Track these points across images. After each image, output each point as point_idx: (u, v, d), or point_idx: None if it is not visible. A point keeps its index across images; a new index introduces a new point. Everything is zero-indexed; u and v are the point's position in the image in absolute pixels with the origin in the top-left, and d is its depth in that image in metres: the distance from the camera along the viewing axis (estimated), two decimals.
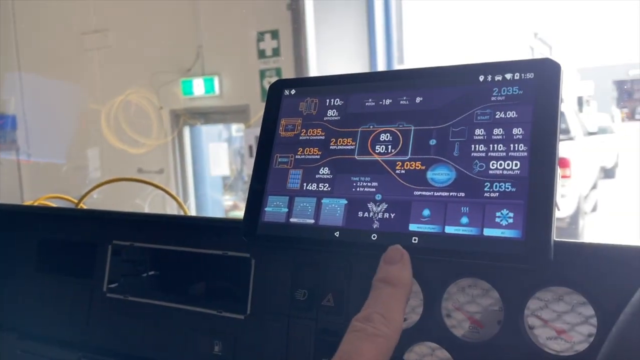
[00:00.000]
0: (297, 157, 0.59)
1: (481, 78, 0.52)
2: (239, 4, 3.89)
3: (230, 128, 4.54)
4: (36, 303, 0.87)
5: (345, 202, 0.54)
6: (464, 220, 0.49)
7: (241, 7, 3.86)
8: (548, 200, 0.46)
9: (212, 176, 4.47)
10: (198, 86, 4.12)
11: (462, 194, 0.50)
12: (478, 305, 0.55)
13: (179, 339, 0.73)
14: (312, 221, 0.55)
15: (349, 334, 0.42)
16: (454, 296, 0.56)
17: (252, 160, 0.62)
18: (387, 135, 0.55)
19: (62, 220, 0.91)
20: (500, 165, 0.49)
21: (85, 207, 1.10)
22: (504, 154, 0.49)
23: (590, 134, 5.45)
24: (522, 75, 0.51)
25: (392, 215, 0.52)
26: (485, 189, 0.49)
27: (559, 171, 0.48)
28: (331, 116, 0.58)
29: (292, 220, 0.57)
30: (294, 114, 0.61)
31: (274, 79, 0.64)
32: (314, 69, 3.72)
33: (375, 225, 0.52)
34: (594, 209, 5.32)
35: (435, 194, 0.51)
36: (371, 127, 0.56)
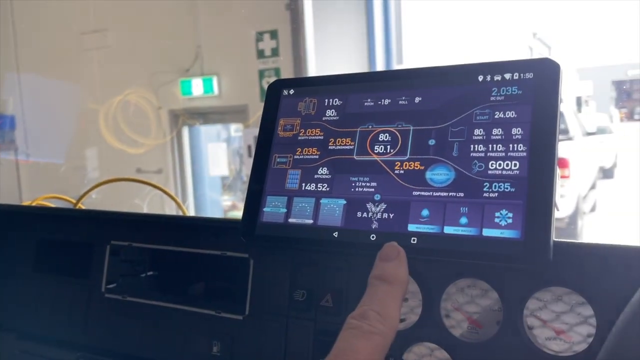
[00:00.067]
0: (295, 157, 0.58)
1: (480, 78, 0.52)
2: (238, 4, 3.89)
3: (229, 128, 4.54)
4: (34, 303, 0.87)
5: (344, 202, 0.54)
6: (463, 220, 0.49)
7: (240, 7, 3.86)
8: (547, 201, 0.46)
9: (211, 176, 4.46)
10: (197, 86, 4.12)
11: (461, 194, 0.50)
12: (477, 306, 0.55)
13: (178, 340, 0.73)
14: (311, 221, 0.55)
15: (345, 331, 0.42)
16: (453, 296, 0.56)
17: (251, 161, 0.62)
18: (386, 136, 0.55)
19: (61, 220, 0.91)
20: (500, 165, 0.49)
21: (83, 207, 1.10)
22: (503, 154, 0.49)
23: (589, 134, 5.45)
24: (522, 75, 0.50)
25: (391, 216, 0.52)
26: (485, 189, 0.49)
27: (558, 171, 0.48)
28: (330, 116, 0.58)
29: (290, 220, 0.56)
30: (292, 114, 0.60)
31: (272, 79, 0.64)
32: (313, 69, 3.72)
33: (374, 225, 0.52)
34: (592, 209, 5.32)
35: (434, 194, 0.51)
36: (370, 127, 0.56)
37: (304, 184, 0.57)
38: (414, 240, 0.50)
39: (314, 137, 0.58)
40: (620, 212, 5.37)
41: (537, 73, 0.50)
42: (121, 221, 0.83)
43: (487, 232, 0.48)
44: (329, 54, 3.95)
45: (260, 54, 3.82)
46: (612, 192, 6.18)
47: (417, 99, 0.55)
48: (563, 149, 4.00)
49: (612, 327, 0.39)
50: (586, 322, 0.50)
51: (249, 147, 3.82)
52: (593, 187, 5.47)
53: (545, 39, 7.99)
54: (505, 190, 0.48)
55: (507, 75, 0.51)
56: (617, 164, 6.92)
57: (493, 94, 0.51)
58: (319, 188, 0.56)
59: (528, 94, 0.50)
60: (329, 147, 0.57)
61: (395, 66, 4.53)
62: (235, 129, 4.47)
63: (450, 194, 0.50)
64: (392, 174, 0.53)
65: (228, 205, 4.48)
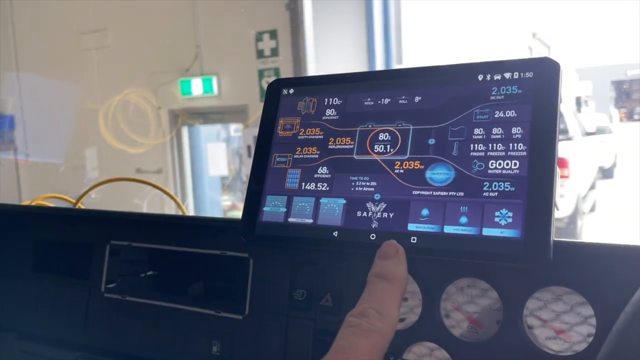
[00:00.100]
0: (295, 156, 0.58)
1: (480, 77, 0.52)
2: (237, 3, 3.89)
3: (228, 128, 4.54)
4: (34, 303, 0.87)
5: (344, 201, 0.54)
6: (463, 219, 0.49)
7: (240, 7, 3.86)
8: (547, 200, 0.46)
9: (211, 176, 4.46)
10: (196, 86, 4.12)
11: (461, 194, 0.50)
12: (477, 305, 0.55)
13: (177, 339, 0.73)
14: (311, 221, 0.55)
15: (344, 329, 0.42)
16: (453, 296, 0.56)
17: (251, 161, 0.62)
18: (386, 135, 0.55)
19: (60, 220, 0.90)
20: (500, 164, 0.49)
21: (83, 207, 1.10)
22: (503, 153, 0.49)
23: (589, 134, 5.45)
24: (521, 74, 0.50)
25: (391, 215, 0.52)
26: (485, 188, 0.49)
27: (558, 171, 0.48)
28: (330, 115, 0.58)
29: (290, 220, 0.56)
30: (292, 113, 0.60)
31: (272, 79, 0.64)
32: (313, 69, 3.72)
33: (374, 225, 0.52)
34: (592, 209, 5.33)
35: (434, 193, 0.51)
36: (370, 126, 0.56)
37: (303, 184, 0.57)
38: (413, 239, 0.50)
39: (313, 137, 0.58)
40: (619, 212, 5.38)
41: (537, 72, 0.50)
42: (121, 221, 0.83)
43: (487, 232, 0.48)
44: (329, 54, 3.95)
45: (260, 53, 3.82)
46: (611, 192, 6.18)
47: (417, 99, 0.54)
48: (562, 149, 4.00)
49: (612, 327, 0.39)
50: (586, 322, 0.50)
51: (249, 147, 3.82)
52: (592, 187, 5.47)
53: (544, 39, 7.99)
54: (505, 189, 0.48)
55: (507, 75, 0.51)
56: (616, 164, 6.92)
57: (493, 93, 0.51)
58: (319, 187, 0.56)
59: (528, 93, 0.50)
60: (329, 147, 0.57)
61: (395, 66, 4.53)
62: (234, 129, 4.47)
63: (450, 193, 0.50)
64: (392, 173, 0.53)
65: (227, 205, 4.48)
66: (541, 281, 0.52)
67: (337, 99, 0.58)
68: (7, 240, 0.92)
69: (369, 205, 0.53)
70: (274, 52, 3.78)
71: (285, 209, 0.57)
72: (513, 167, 0.48)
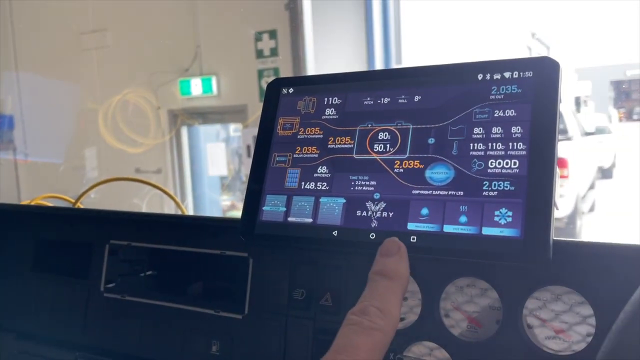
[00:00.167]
0: (295, 156, 0.58)
1: (480, 76, 0.52)
2: (237, 3, 3.89)
3: (228, 128, 4.54)
4: (33, 303, 0.87)
5: (344, 201, 0.54)
6: (463, 219, 0.49)
7: (239, 6, 3.86)
8: (547, 199, 0.46)
9: (210, 176, 4.46)
10: (196, 86, 4.12)
11: (461, 193, 0.50)
12: (476, 305, 0.55)
13: (177, 339, 0.73)
14: (310, 220, 0.55)
15: (345, 327, 0.41)
16: (453, 296, 0.56)
17: (250, 161, 0.62)
18: (386, 134, 0.55)
19: (59, 219, 0.90)
20: (499, 164, 0.49)
21: (82, 206, 1.10)
22: (503, 152, 0.49)
23: (588, 134, 5.46)
24: (521, 73, 0.50)
25: (391, 214, 0.52)
26: (484, 187, 0.49)
27: (558, 170, 0.48)
28: (329, 115, 0.58)
29: (290, 219, 0.56)
30: (291, 112, 0.60)
31: (271, 79, 0.64)
32: (312, 69, 3.72)
33: (374, 224, 0.52)
34: (591, 209, 5.33)
35: (434, 192, 0.51)
36: (369, 125, 0.56)
37: (303, 183, 0.57)
38: (413, 238, 0.50)
39: (313, 136, 0.58)
40: (619, 212, 5.38)
41: (537, 72, 0.50)
42: (120, 220, 0.83)
43: (487, 231, 0.48)
44: (328, 53, 3.95)
45: (259, 53, 3.82)
46: (610, 192, 6.19)
47: (417, 98, 0.54)
48: (562, 149, 4.00)
49: (612, 327, 0.39)
50: (585, 322, 0.50)
51: (248, 147, 3.82)
52: (592, 187, 5.48)
53: (544, 39, 8.00)
54: (505, 188, 0.48)
55: (507, 74, 0.51)
56: (615, 164, 6.93)
57: (492, 92, 0.51)
58: (319, 187, 0.56)
59: (528, 93, 0.50)
60: (329, 146, 0.57)
61: (394, 66, 4.53)
62: (234, 129, 4.47)
63: (449, 192, 0.50)
64: (391, 172, 0.53)
65: (227, 205, 4.48)
66: (541, 281, 0.52)
67: (336, 99, 0.58)
68: (6, 240, 0.92)
69: (369, 204, 0.53)
70: (274, 52, 3.78)
71: (284, 209, 0.57)
72: (513, 166, 0.48)
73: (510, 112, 0.50)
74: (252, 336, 0.67)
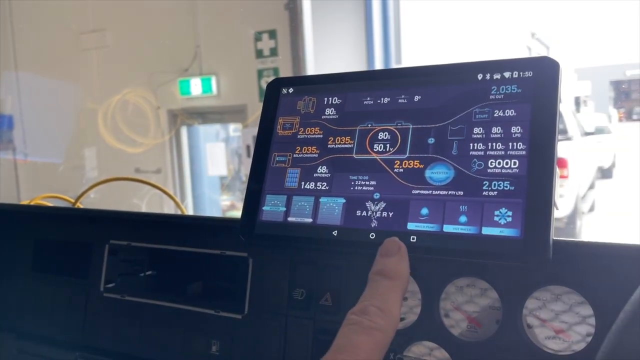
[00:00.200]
0: (295, 155, 0.58)
1: (480, 76, 0.52)
2: (236, 3, 3.89)
3: (227, 128, 4.54)
4: (33, 303, 0.87)
5: (344, 201, 0.54)
6: (463, 219, 0.49)
7: (239, 6, 3.85)
8: (547, 199, 0.46)
9: (210, 176, 4.46)
10: (195, 86, 4.11)
11: (461, 193, 0.50)
12: (476, 305, 0.55)
13: (177, 339, 0.73)
14: (310, 220, 0.55)
15: (345, 327, 0.41)
16: (452, 296, 0.56)
17: (250, 160, 0.62)
18: (386, 134, 0.55)
19: (59, 219, 0.90)
20: (499, 164, 0.49)
21: (82, 206, 1.10)
22: (503, 152, 0.49)
23: (588, 134, 5.46)
24: (521, 73, 0.50)
25: (391, 214, 0.52)
26: (484, 187, 0.49)
27: (557, 170, 0.48)
28: (329, 115, 0.58)
29: (290, 219, 0.56)
30: (291, 112, 0.60)
31: (271, 79, 0.64)
32: (312, 69, 3.72)
33: (374, 224, 0.52)
34: (591, 209, 5.33)
35: (434, 192, 0.51)
36: (369, 125, 0.56)
37: (303, 183, 0.57)
38: (413, 238, 0.50)
39: (313, 136, 0.58)
40: (618, 212, 5.38)
41: (537, 71, 0.50)
42: (120, 220, 0.83)
43: (487, 231, 0.48)
44: (328, 53, 3.95)
45: (259, 53, 3.82)
46: (610, 192, 6.19)
47: (417, 98, 0.54)
48: (562, 149, 4.00)
49: (611, 326, 0.39)
50: (585, 322, 0.50)
51: (248, 147, 3.82)
52: (592, 187, 5.48)
53: (543, 39, 8.00)
54: (505, 188, 0.48)
55: (507, 74, 0.51)
56: (615, 164, 6.93)
57: (492, 92, 0.51)
58: (319, 187, 0.56)
59: (527, 93, 0.50)
60: (328, 146, 0.57)
61: (394, 65, 4.53)
62: (233, 129, 4.47)
63: (449, 192, 0.50)
64: (391, 172, 0.53)
65: (227, 205, 4.48)
66: (540, 280, 0.52)
67: (336, 98, 0.58)
68: (6, 239, 0.92)
69: (369, 204, 0.53)
70: (273, 52, 3.78)
71: (284, 208, 0.57)
72: (512, 166, 0.48)
73: (510, 112, 0.50)
74: (252, 336, 0.67)
